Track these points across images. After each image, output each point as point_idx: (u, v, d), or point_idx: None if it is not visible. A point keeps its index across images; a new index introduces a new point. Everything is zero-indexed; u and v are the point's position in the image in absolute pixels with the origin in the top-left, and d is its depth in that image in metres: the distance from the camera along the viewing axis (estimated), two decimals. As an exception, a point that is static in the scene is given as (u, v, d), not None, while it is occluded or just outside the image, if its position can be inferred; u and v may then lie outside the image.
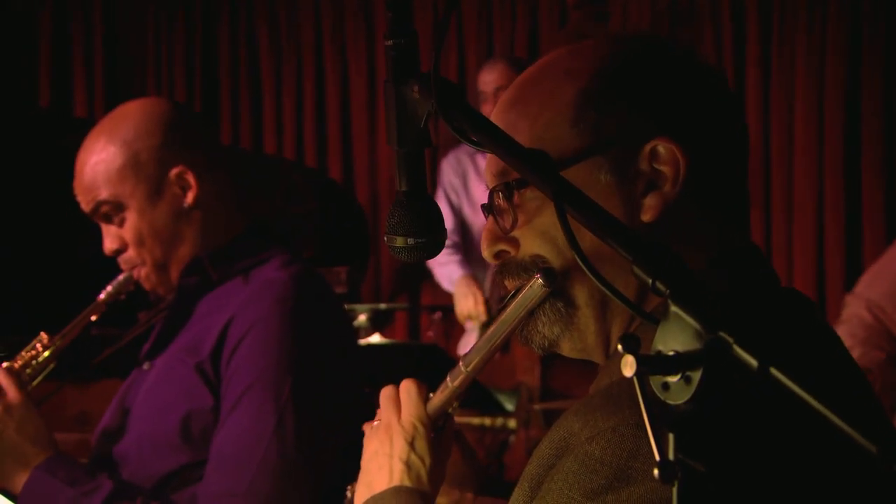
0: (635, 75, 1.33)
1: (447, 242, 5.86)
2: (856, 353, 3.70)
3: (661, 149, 1.29)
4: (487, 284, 5.06)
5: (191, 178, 2.35)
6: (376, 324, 5.44)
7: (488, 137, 1.16)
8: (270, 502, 2.20)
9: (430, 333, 5.85)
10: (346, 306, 5.32)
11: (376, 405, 1.55)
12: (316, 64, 6.66)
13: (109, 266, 2.50)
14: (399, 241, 1.28)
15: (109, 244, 2.40)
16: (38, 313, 4.01)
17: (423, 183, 1.28)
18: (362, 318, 5.35)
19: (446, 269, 5.25)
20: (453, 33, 6.39)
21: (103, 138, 2.37)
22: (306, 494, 2.26)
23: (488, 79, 5.24)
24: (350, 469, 2.34)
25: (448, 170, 5.39)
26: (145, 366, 2.43)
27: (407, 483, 1.44)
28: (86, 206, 2.39)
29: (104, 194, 2.35)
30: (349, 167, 6.66)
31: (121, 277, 2.44)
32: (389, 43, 1.22)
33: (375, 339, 4.98)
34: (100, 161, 2.35)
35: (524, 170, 1.14)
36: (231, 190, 2.45)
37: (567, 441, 1.20)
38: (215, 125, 6.57)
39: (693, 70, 1.36)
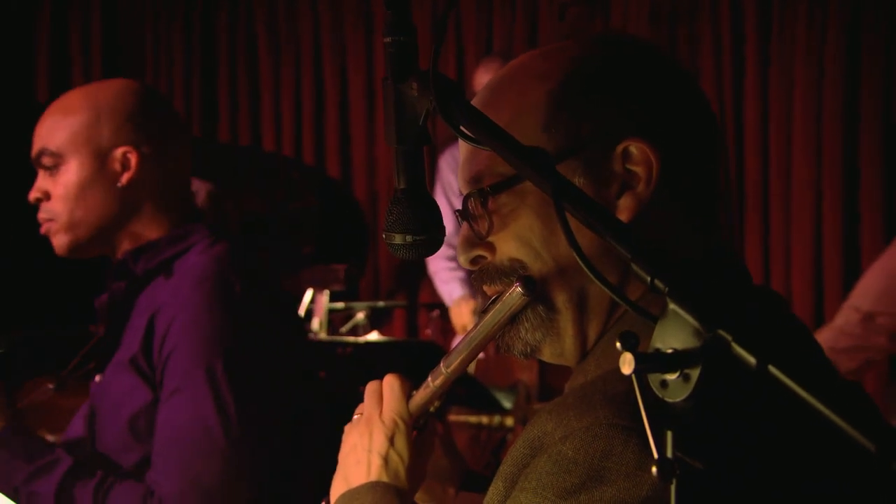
0: (605, 77, 1.33)
1: (450, 254, 5.86)
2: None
3: (633, 149, 1.29)
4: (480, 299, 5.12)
5: (133, 161, 2.40)
6: (374, 321, 5.44)
7: (487, 134, 1.16)
8: (223, 483, 2.22)
9: (428, 331, 5.86)
10: (344, 304, 5.36)
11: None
12: (314, 61, 6.66)
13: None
14: (397, 239, 1.28)
15: (35, 192, 2.46)
16: (34, 310, 4.01)
17: (421, 180, 1.28)
18: (360, 315, 5.36)
19: (448, 286, 5.33)
20: (452, 31, 6.38)
21: (79, 96, 2.46)
22: (256, 469, 2.27)
23: (484, 79, 5.25)
24: (298, 444, 2.37)
25: (445, 168, 5.40)
26: (97, 378, 2.45)
27: (384, 478, 1.44)
28: (34, 150, 2.46)
29: (52, 145, 2.42)
30: (347, 164, 6.66)
31: None
32: (388, 40, 1.22)
33: (373, 336, 4.98)
34: (66, 115, 2.43)
35: (523, 166, 1.14)
36: (177, 190, 2.48)
37: (541, 440, 1.20)
38: (199, 125, 6.57)
39: (663, 69, 1.36)
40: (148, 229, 2.43)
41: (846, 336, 3.73)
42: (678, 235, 1.31)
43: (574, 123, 1.30)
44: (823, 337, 3.76)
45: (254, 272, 2.42)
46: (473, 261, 1.37)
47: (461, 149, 1.38)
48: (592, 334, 1.32)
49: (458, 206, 1.37)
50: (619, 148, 1.29)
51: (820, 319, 5.77)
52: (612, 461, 1.14)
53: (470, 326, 5.45)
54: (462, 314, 5.22)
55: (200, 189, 3.77)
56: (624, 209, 1.29)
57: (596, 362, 1.30)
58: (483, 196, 1.32)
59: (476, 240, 1.35)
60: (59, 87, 6.75)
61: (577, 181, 1.28)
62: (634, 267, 0.98)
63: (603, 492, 1.14)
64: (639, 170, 1.29)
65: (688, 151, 1.33)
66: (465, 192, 1.36)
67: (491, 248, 1.34)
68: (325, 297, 5.00)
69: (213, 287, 2.30)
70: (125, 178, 2.40)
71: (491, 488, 1.27)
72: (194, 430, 2.22)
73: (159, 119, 2.47)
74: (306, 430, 2.44)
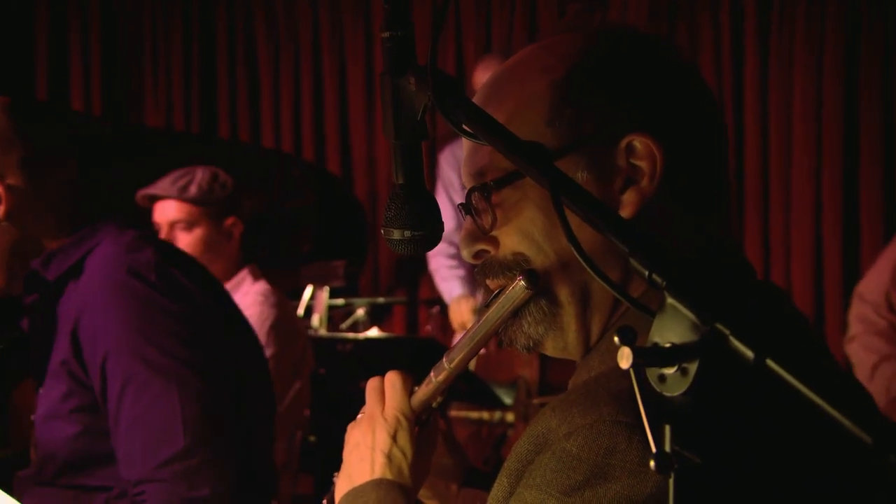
0: (609, 70, 1.32)
1: (451, 252, 5.82)
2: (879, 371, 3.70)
3: (637, 144, 1.28)
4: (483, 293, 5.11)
5: (2, 195, 2.33)
6: (374, 318, 5.45)
7: (484, 129, 1.16)
8: (190, 465, 2.22)
9: (428, 327, 5.86)
10: (344, 300, 5.36)
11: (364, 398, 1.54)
12: (314, 57, 6.65)
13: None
14: (396, 234, 1.27)
15: None
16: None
17: (420, 176, 1.27)
18: (360, 312, 5.36)
19: (448, 284, 5.32)
20: (451, 27, 6.38)
21: None
22: (220, 448, 2.28)
23: (483, 78, 5.24)
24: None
25: (445, 165, 5.40)
26: (41, 391, 2.43)
27: (388, 476, 1.44)
28: None
29: None
30: (347, 161, 6.66)
31: None
32: (386, 35, 1.21)
33: (373, 332, 4.99)
34: None
35: (521, 162, 1.13)
36: (69, 199, 2.41)
37: (545, 437, 1.20)
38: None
39: (667, 63, 1.35)
40: (41, 244, 2.39)
41: (877, 335, 3.73)
42: (681, 230, 1.31)
43: (577, 118, 1.29)
44: (857, 344, 3.76)
45: (167, 256, 2.41)
46: (476, 255, 1.37)
47: (465, 143, 1.37)
48: (596, 329, 1.32)
49: (458, 202, 1.37)
50: (623, 142, 1.28)
51: (820, 314, 5.78)
52: (617, 458, 1.14)
53: (469, 325, 5.48)
54: (461, 312, 5.22)
55: (227, 181, 3.78)
56: (627, 204, 1.28)
57: (600, 358, 1.30)
58: (486, 190, 1.32)
59: (479, 234, 1.35)
60: (57, 86, 6.75)
61: (581, 176, 1.28)
62: (632, 261, 0.98)
63: (607, 489, 1.14)
64: (643, 164, 1.28)
65: (692, 146, 1.32)
66: (468, 187, 1.35)
67: (494, 242, 1.34)
68: (325, 293, 5.00)
69: (125, 280, 2.29)
70: (0, 211, 2.33)
71: (495, 485, 1.27)
72: (151, 418, 2.24)
73: (20, 142, 2.35)
74: (246, 413, 2.45)
